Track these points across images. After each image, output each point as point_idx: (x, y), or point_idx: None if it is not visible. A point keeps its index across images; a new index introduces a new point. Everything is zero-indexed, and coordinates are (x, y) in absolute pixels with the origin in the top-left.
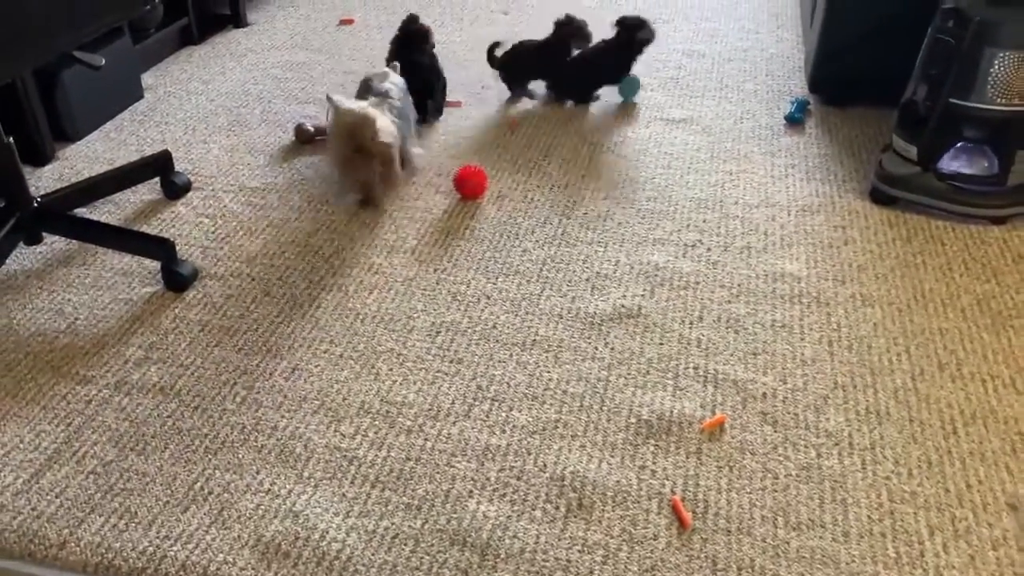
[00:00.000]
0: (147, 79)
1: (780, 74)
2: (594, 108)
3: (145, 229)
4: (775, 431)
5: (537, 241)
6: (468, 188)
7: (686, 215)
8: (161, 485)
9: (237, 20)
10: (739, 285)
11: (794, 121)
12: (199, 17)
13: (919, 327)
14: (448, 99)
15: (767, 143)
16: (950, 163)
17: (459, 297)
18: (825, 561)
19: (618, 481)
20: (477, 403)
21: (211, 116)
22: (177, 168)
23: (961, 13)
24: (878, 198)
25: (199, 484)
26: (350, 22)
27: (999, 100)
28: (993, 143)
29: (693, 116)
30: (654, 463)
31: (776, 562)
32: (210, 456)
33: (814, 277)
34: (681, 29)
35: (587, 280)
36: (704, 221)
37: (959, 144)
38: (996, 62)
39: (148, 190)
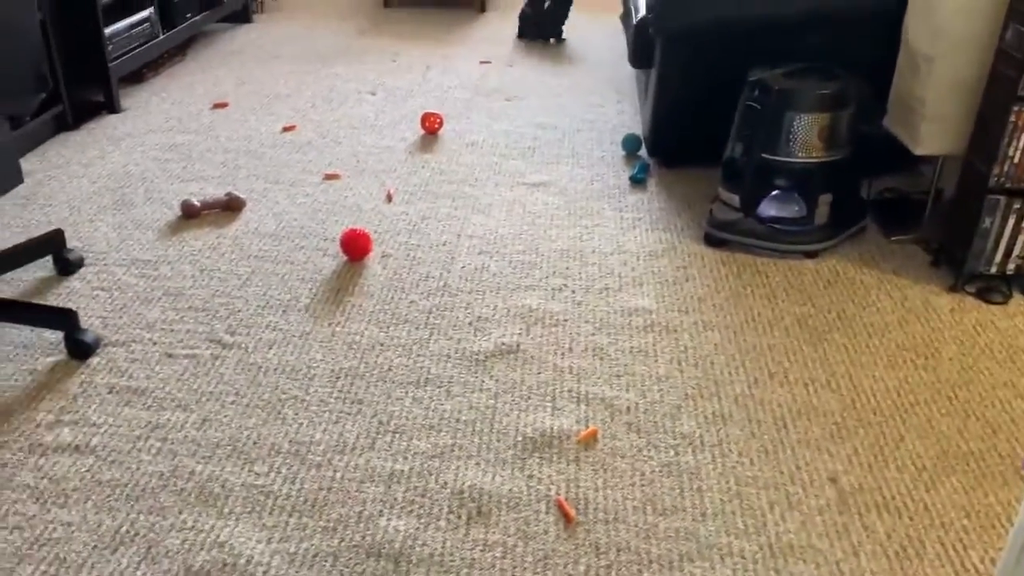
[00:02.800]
0: (26, 165)
1: (621, 139)
2: (463, 178)
3: (43, 303)
4: (639, 437)
5: (422, 293)
6: (354, 249)
7: (552, 264)
8: (87, 532)
9: (111, 106)
10: (601, 320)
11: (638, 181)
12: (73, 103)
13: (751, 344)
14: (328, 172)
15: (616, 200)
16: (767, 208)
17: (354, 346)
18: (688, 537)
19: (510, 489)
20: (380, 436)
21: (95, 197)
22: (68, 244)
23: (764, 84)
24: (711, 241)
25: (124, 528)
26: (224, 106)
27: (800, 153)
28: (799, 190)
29: (551, 180)
30: (540, 472)
31: (648, 542)
32: (132, 502)
33: (663, 309)
34: (533, 105)
35: (470, 324)
36: (567, 268)
37: (773, 192)
38: (795, 123)
39: (40, 268)
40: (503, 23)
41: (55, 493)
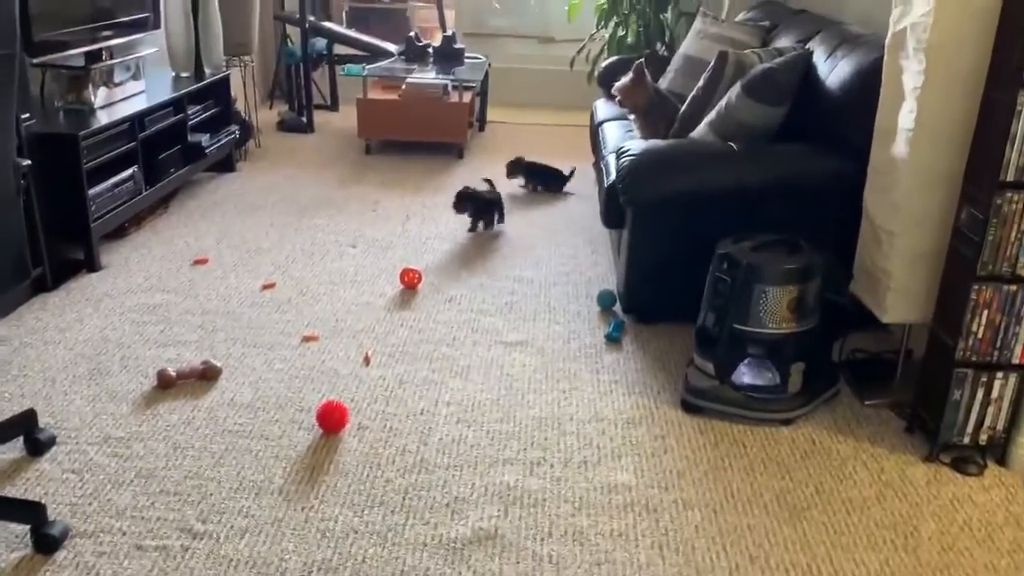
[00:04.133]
0: (1, 330)
1: (596, 295)
2: (440, 337)
3: (9, 489)
4: None
5: (398, 470)
6: (330, 423)
7: (529, 434)
8: None
9: (91, 264)
10: (580, 499)
11: (613, 340)
12: (52, 263)
13: (731, 525)
14: (306, 333)
15: (592, 361)
16: (742, 376)
17: (328, 534)
18: None
19: None
20: None
21: (71, 366)
22: (40, 422)
23: (732, 258)
24: (688, 407)
25: None
26: (204, 262)
27: (771, 324)
28: (772, 359)
29: (528, 339)
30: None
31: None
32: None
33: (642, 485)
34: (511, 258)
35: (447, 505)
36: (545, 439)
37: (747, 360)
38: (764, 296)
39: (10, 448)
40: (480, 169)
41: None
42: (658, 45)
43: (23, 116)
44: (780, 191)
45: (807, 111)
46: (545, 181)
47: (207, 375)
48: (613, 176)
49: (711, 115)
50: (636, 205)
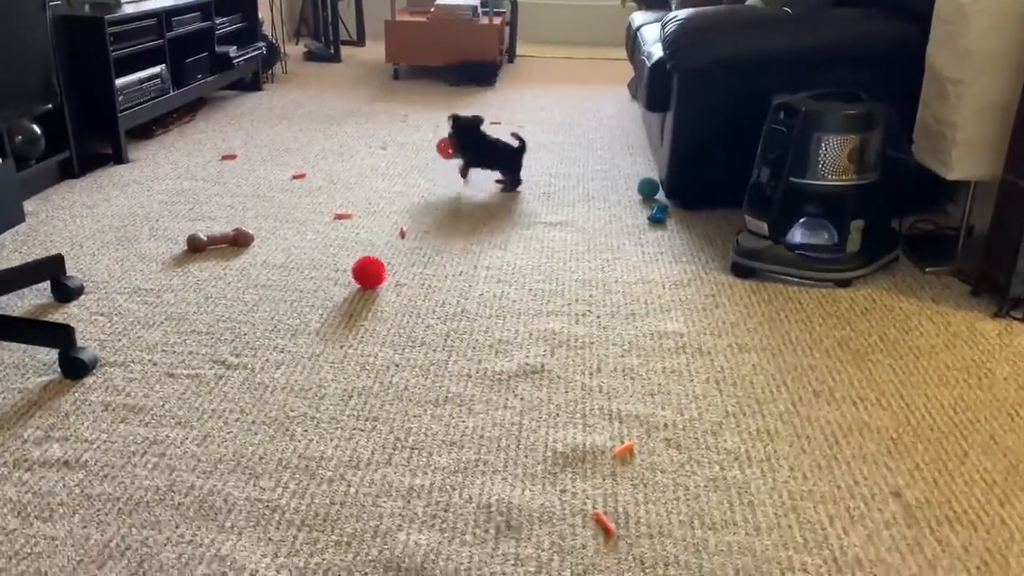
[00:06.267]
0: (28, 206)
1: (637, 184)
2: (479, 219)
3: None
4: (680, 452)
5: (439, 318)
6: (367, 277)
7: (573, 291)
8: (72, 547)
9: (119, 157)
10: (629, 343)
11: (656, 221)
12: (80, 153)
13: (791, 365)
14: (338, 212)
15: (636, 237)
16: (797, 235)
17: (368, 367)
18: (743, 552)
19: (542, 504)
20: (397, 452)
21: (98, 234)
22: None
23: (790, 106)
24: (739, 271)
25: (114, 542)
26: (233, 157)
27: (830, 176)
28: (830, 215)
29: (568, 220)
30: (573, 486)
31: (698, 556)
32: (124, 517)
33: (694, 333)
34: (546, 159)
35: (490, 346)
36: (590, 296)
37: (802, 219)
38: (824, 144)
39: (37, 295)
40: (512, 92)
41: (39, 507)
42: None
43: None
44: (837, 56)
45: None
46: (487, 160)
47: (239, 241)
48: (656, 58)
49: None
50: (684, 71)
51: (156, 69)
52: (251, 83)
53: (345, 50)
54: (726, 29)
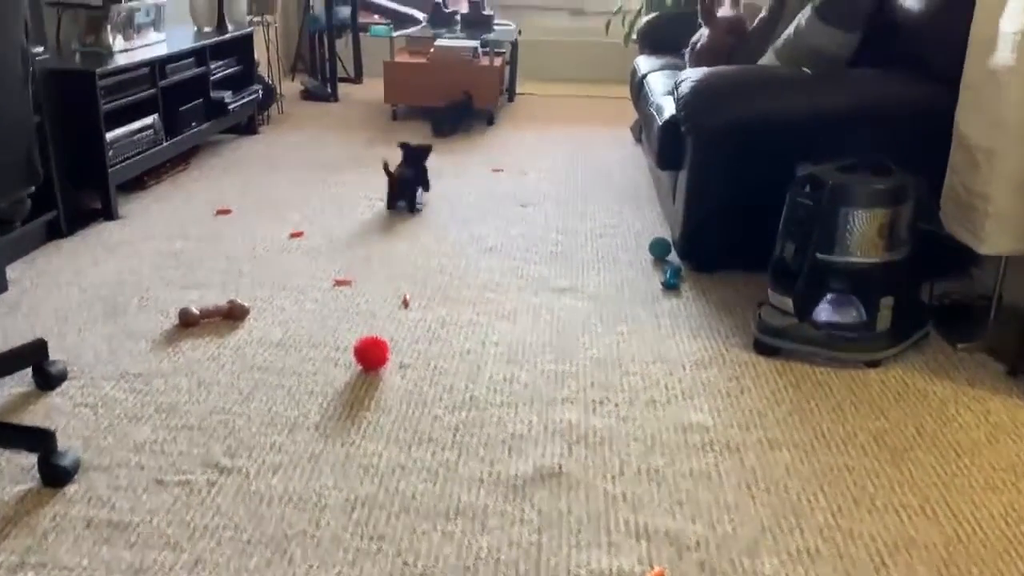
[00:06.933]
0: (12, 272)
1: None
2: (483, 283)
3: (16, 422)
4: None
5: (447, 407)
6: (369, 359)
7: (588, 373)
8: None
9: (108, 212)
10: (652, 438)
11: (671, 287)
12: (67, 210)
13: (827, 465)
14: (338, 278)
15: (650, 306)
16: (823, 313)
17: (372, 470)
18: None
19: None
20: None
21: (84, 306)
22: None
23: (816, 178)
24: (762, 349)
25: None
26: (227, 212)
27: (859, 253)
28: (859, 292)
29: (578, 285)
30: None
31: None
32: None
33: (721, 426)
34: (552, 212)
35: (503, 442)
36: (606, 379)
37: (829, 296)
38: (852, 220)
39: (17, 382)
40: (512, 134)
41: None
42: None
43: (36, 51)
44: (858, 119)
45: (879, 37)
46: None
47: (233, 314)
48: (668, 115)
49: (778, 43)
50: (699, 133)
51: (149, 120)
52: (246, 126)
53: (343, 87)
54: (743, 90)
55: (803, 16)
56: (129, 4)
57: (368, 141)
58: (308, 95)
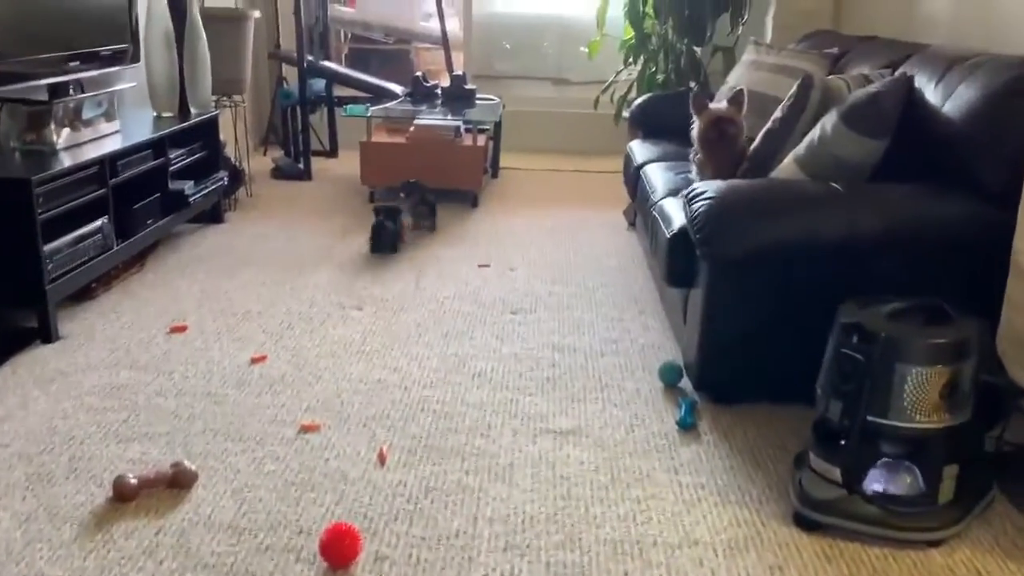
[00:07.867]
0: None
1: (657, 368)
2: (472, 425)
3: None
4: None
5: None
6: (337, 555)
7: (604, 566)
8: None
9: (46, 334)
10: None
11: (687, 427)
12: None
13: None
14: (304, 422)
15: (667, 456)
16: (875, 482)
17: None
18: None
19: None
20: None
21: (5, 470)
22: None
23: (864, 329)
24: (804, 524)
25: None
26: (183, 329)
27: (919, 417)
28: (919, 461)
29: (581, 426)
30: None
31: None
32: None
33: None
34: (546, 321)
35: None
36: (626, 574)
37: (881, 461)
38: (909, 379)
39: None
40: (498, 218)
41: None
42: (691, 83)
43: None
44: (899, 241)
45: (909, 145)
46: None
47: (178, 482)
48: (677, 225)
49: (798, 150)
50: (720, 260)
51: (96, 224)
52: (211, 214)
53: (317, 161)
54: (770, 210)
55: (828, 122)
56: (78, 96)
57: (343, 230)
58: (279, 173)
